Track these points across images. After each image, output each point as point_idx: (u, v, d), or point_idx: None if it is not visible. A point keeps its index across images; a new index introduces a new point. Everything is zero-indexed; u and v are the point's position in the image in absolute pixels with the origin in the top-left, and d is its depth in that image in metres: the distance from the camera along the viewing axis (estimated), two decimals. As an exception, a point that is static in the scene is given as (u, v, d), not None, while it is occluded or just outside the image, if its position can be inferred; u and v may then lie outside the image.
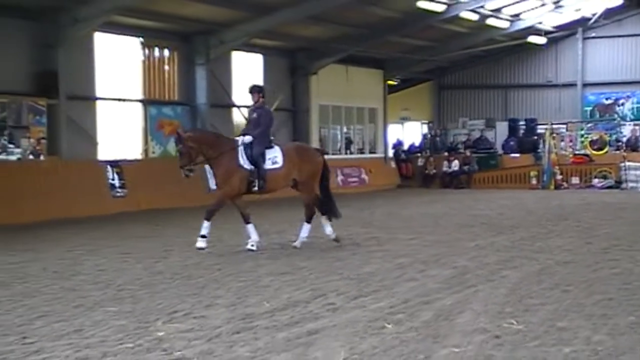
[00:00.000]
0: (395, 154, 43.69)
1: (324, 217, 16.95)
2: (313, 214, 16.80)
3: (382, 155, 43.25)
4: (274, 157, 16.49)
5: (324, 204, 17.02)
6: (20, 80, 25.85)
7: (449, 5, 34.66)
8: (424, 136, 47.28)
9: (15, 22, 25.72)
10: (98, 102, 28.87)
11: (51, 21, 25.95)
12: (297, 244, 16.58)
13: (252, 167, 16.23)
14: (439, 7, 34.46)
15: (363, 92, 41.68)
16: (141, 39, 30.21)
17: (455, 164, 40.76)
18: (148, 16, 28.51)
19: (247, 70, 35.14)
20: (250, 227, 16.45)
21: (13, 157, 25.11)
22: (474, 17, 36.98)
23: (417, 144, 46.20)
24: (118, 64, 29.49)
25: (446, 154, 42.51)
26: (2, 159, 24.70)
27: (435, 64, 45.11)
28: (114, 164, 26.48)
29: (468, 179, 40.40)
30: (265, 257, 15.49)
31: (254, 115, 16.96)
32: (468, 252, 16.15)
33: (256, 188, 16.42)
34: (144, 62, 30.53)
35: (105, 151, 28.57)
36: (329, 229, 16.94)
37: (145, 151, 30.43)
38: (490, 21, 38.69)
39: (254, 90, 17.19)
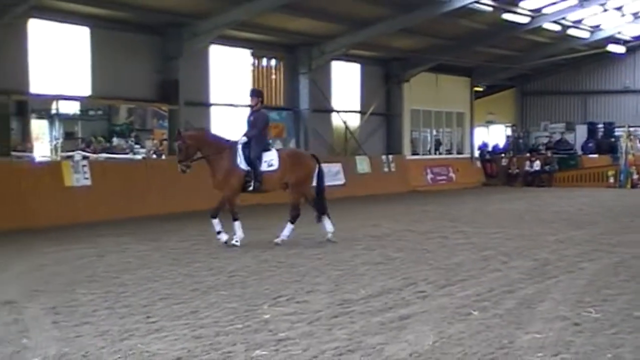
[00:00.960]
0: (481, 154, 43.29)
1: (324, 215, 16.42)
2: (298, 215, 16.19)
3: (469, 155, 42.88)
4: (270, 160, 15.97)
5: (317, 204, 16.46)
6: (146, 89, 26.39)
7: (532, 17, 34.20)
8: (508, 138, 46.71)
9: (142, 38, 26.32)
10: (212, 108, 29.30)
11: (173, 36, 26.38)
12: (278, 240, 15.92)
13: (249, 167, 15.76)
14: (523, 19, 34.10)
15: (451, 97, 41.43)
16: (251, 51, 30.58)
17: (537, 164, 40.19)
18: (257, 30, 28.74)
19: (345, 78, 35.28)
20: (237, 224, 15.87)
21: (138, 157, 25.55)
22: (556, 28, 36.36)
23: (501, 145, 45.64)
24: (230, 73, 29.87)
25: (528, 154, 42.02)
26: (129, 158, 25.15)
27: (519, 72, 44.52)
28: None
29: (549, 178, 39.76)
30: (361, 248, 15.42)
31: (251, 118, 16.30)
32: (549, 245, 15.91)
33: (251, 188, 15.95)
34: (253, 71, 30.90)
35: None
36: (329, 227, 16.42)
37: (254, 151, 30.79)
38: (572, 31, 38.00)
39: (253, 94, 16.72)
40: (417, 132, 40.56)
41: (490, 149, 44.56)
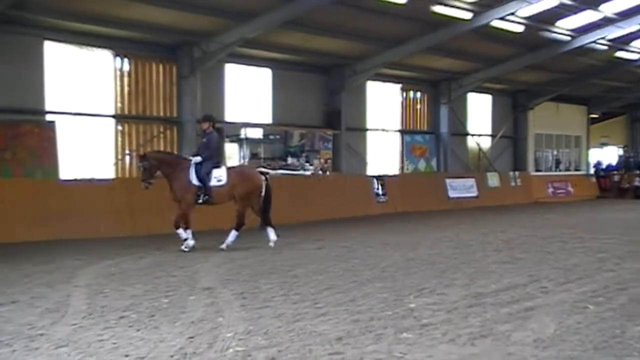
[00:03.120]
0: (596, 171, 41.79)
1: (268, 227, 15.60)
2: (242, 224, 15.34)
3: (585, 172, 41.58)
4: (219, 176, 15.16)
5: (263, 215, 15.62)
6: (314, 117, 26.87)
7: (642, 54, 33.13)
8: (620, 157, 44.92)
9: (312, 76, 26.79)
10: (368, 132, 29.45)
11: (337, 74, 26.85)
12: (223, 246, 15.06)
13: (200, 183, 15.00)
14: (634, 56, 32.94)
15: (570, 123, 40.49)
16: (400, 85, 30.60)
17: (646, 180, 38.76)
18: (406, 68, 28.72)
19: (479, 107, 34.88)
20: (181, 231, 14.88)
21: (308, 172, 25.87)
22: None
23: (613, 163, 44.00)
24: (383, 104, 29.95)
25: (638, 171, 40.41)
26: (301, 173, 25.46)
27: (630, 100, 42.88)
28: (379, 177, 26.74)
29: (656, 192, 38.19)
30: (491, 250, 15.08)
31: (204, 140, 15.48)
32: (658, 250, 15.20)
33: (201, 201, 15.10)
34: (402, 102, 30.90)
35: (372, 168, 28.98)
36: (272, 236, 15.53)
37: (402, 168, 30.77)
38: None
39: (205, 119, 15.81)
40: (540, 152, 39.61)
41: (604, 166, 43.00)
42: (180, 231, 14.89)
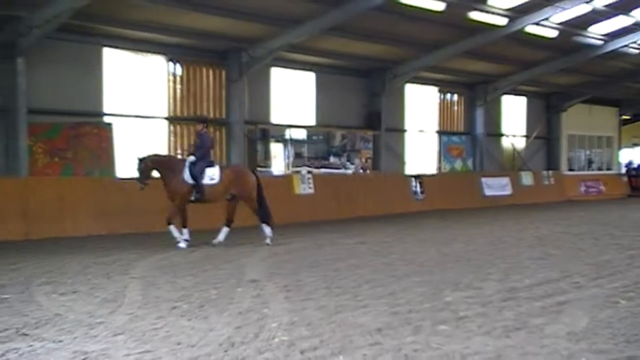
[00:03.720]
0: (627, 171, 41.15)
1: (263, 224, 15.23)
2: (269, 219, 15.14)
3: (616, 172, 40.92)
4: (212, 175, 14.75)
5: (260, 213, 15.26)
6: (355, 119, 26.86)
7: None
8: (651, 157, 44.48)
9: (354, 79, 26.79)
10: (406, 133, 29.31)
11: (377, 77, 26.81)
12: (215, 242, 14.86)
13: (193, 181, 14.65)
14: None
15: (602, 124, 39.93)
16: (438, 88, 30.42)
17: (676, 179, 38.03)
18: (443, 71, 28.55)
19: (513, 108, 34.54)
20: (172, 228, 14.61)
21: (349, 171, 25.91)
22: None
23: (644, 163, 43.54)
24: (420, 106, 29.79)
25: (668, 171, 39.86)
26: (342, 172, 25.51)
27: (661, 102, 42.29)
28: (417, 176, 26.66)
29: (685, 190, 37.47)
30: (525, 246, 14.96)
31: (198, 140, 15.19)
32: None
33: (193, 198, 14.79)
34: (439, 104, 30.73)
35: (411, 167, 28.85)
36: (268, 232, 15.16)
37: (439, 167, 30.61)
38: None
39: (199, 120, 15.91)
40: (573, 152, 39.06)
41: (635, 166, 42.36)
42: (172, 228, 14.60)
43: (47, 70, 18.28)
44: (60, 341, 7.10)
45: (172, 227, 14.63)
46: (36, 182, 17.37)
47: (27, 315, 8.26)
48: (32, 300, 9.17)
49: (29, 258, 13.00)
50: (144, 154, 15.03)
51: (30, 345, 6.92)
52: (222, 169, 15.19)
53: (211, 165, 15.08)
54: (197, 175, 14.66)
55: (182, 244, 14.47)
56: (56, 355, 6.62)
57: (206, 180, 14.72)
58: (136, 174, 14.94)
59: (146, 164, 14.73)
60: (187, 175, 14.66)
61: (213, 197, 14.99)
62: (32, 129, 17.90)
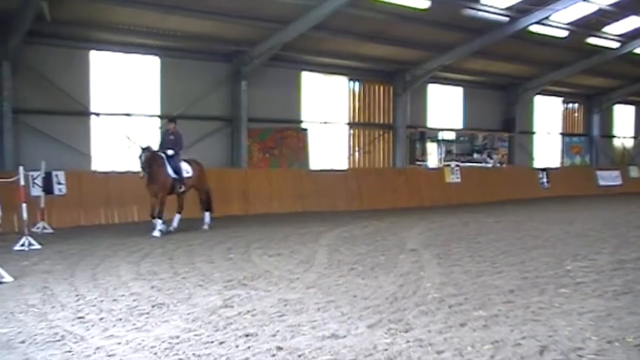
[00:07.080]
0: None
1: (207, 212, 13.60)
2: (182, 208, 13.28)
3: None
4: (187, 169, 13.08)
5: (204, 202, 13.69)
6: (495, 123, 25.97)
7: None
8: None
9: (494, 92, 25.77)
10: (535, 135, 27.94)
11: (512, 90, 25.89)
12: (205, 227, 13.32)
13: (176, 175, 12.86)
14: None
15: None
16: (562, 99, 28.67)
17: None
18: (565, 85, 26.94)
19: (623, 115, 32.09)
20: (158, 221, 12.40)
21: (489, 165, 25.24)
22: None
23: None
24: (547, 113, 28.29)
25: None
26: (483, 166, 24.88)
27: None
28: (543, 169, 25.66)
29: None
30: (632, 226, 13.82)
31: (171, 137, 13.00)
32: None
33: (181, 190, 12.99)
34: (563, 112, 29.00)
35: (538, 162, 27.54)
36: (207, 219, 13.51)
37: (561, 162, 29.04)
38: None
39: (171, 120, 13.49)
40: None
41: None
42: (157, 221, 12.51)
43: (261, 89, 18.95)
44: (269, 290, 7.40)
45: (158, 221, 12.49)
46: (253, 172, 18.12)
47: (246, 270, 8.66)
48: (249, 259, 9.60)
49: (247, 228, 13.60)
50: (143, 144, 12.91)
51: (248, 293, 7.27)
52: (189, 163, 13.42)
53: (184, 160, 13.38)
54: (179, 169, 13.01)
55: (157, 233, 12.32)
56: (266, 300, 6.91)
57: (184, 174, 13.11)
58: (144, 164, 12.45)
59: (146, 156, 12.45)
60: (170, 170, 12.86)
61: (187, 189, 13.33)
62: (250, 133, 18.66)
